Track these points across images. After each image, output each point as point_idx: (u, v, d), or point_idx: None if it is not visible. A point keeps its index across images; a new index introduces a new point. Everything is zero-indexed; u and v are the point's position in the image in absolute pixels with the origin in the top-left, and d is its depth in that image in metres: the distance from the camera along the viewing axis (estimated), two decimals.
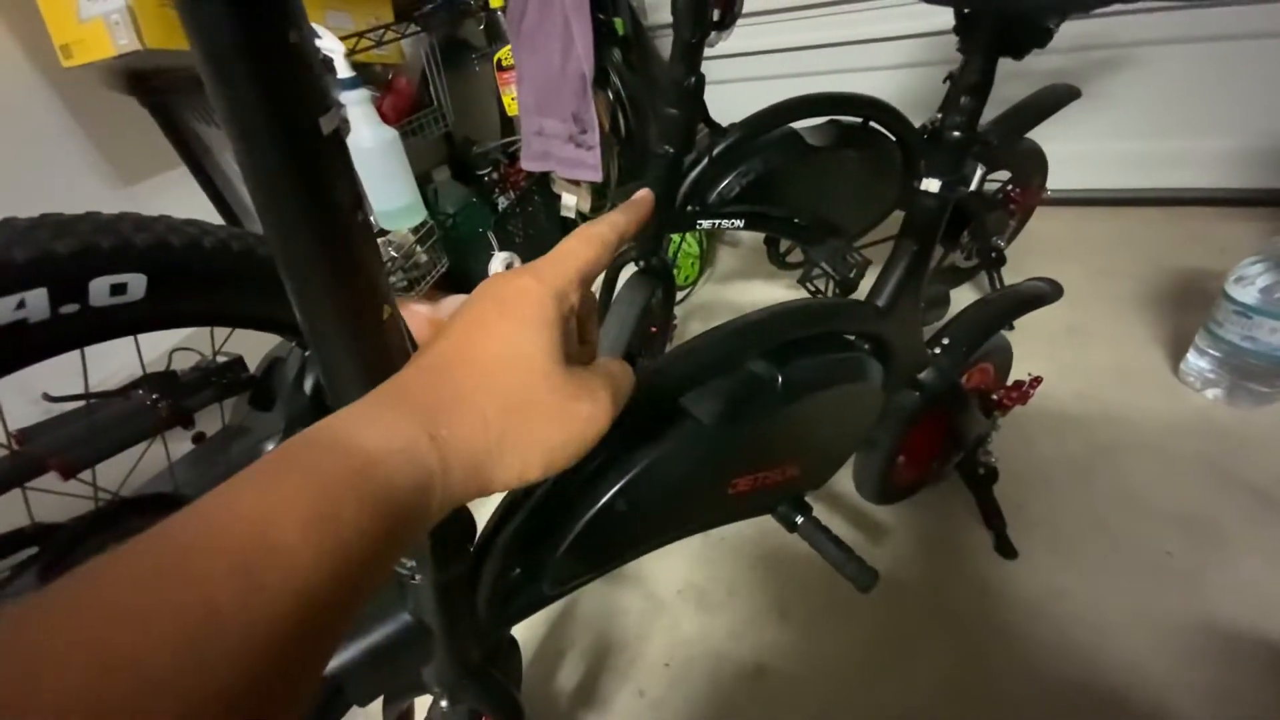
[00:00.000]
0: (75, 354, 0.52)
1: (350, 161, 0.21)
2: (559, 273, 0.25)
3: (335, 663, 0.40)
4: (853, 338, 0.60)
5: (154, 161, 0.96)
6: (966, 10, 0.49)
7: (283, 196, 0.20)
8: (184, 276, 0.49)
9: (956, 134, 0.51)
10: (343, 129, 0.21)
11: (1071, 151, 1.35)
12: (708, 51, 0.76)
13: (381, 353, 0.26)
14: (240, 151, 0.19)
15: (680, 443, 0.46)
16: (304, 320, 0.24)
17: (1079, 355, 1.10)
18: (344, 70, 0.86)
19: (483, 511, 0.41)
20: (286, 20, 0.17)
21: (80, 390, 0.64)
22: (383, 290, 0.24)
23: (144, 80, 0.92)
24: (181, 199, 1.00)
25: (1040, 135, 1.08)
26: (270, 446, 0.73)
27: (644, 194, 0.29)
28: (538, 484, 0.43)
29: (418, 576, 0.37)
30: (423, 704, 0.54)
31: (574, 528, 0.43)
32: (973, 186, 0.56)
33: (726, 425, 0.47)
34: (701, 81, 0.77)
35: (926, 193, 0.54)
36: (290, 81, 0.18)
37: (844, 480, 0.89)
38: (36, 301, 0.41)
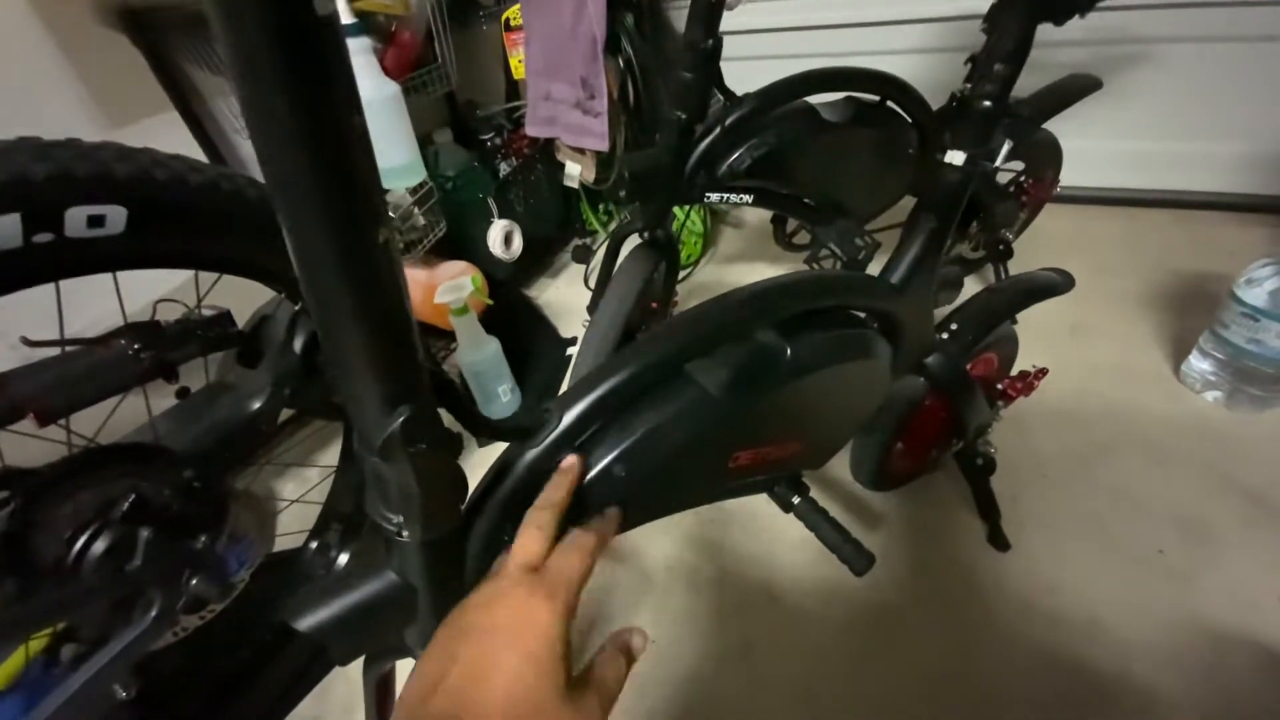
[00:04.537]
0: (52, 301, 0.50)
1: (347, 56, 0.19)
2: (570, 594, 0.28)
3: (317, 620, 0.38)
4: (863, 315, 0.58)
5: (144, 104, 0.92)
6: None
7: (271, 84, 0.17)
8: (167, 213, 0.47)
9: (987, 103, 0.49)
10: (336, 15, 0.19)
11: (1084, 148, 1.33)
12: (725, 25, 0.74)
13: (375, 280, 0.24)
14: (225, 33, 0.17)
15: (683, 410, 0.44)
16: (291, 238, 0.22)
17: (1081, 353, 1.09)
18: (345, 15, 0.82)
19: (475, 472, 0.40)
20: None
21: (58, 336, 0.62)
22: (380, 210, 0.22)
23: (137, 17, 0.88)
24: (172, 144, 0.96)
25: (1054, 129, 1.06)
26: (256, 405, 0.71)
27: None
28: (533, 445, 0.42)
29: (404, 533, 0.35)
30: (403, 669, 0.53)
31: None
32: (998, 162, 0.54)
33: (732, 395, 0.45)
34: (719, 45, 0.74)
35: (950, 166, 0.52)
36: None
37: (840, 466, 0.88)
38: (9, 228, 0.39)
